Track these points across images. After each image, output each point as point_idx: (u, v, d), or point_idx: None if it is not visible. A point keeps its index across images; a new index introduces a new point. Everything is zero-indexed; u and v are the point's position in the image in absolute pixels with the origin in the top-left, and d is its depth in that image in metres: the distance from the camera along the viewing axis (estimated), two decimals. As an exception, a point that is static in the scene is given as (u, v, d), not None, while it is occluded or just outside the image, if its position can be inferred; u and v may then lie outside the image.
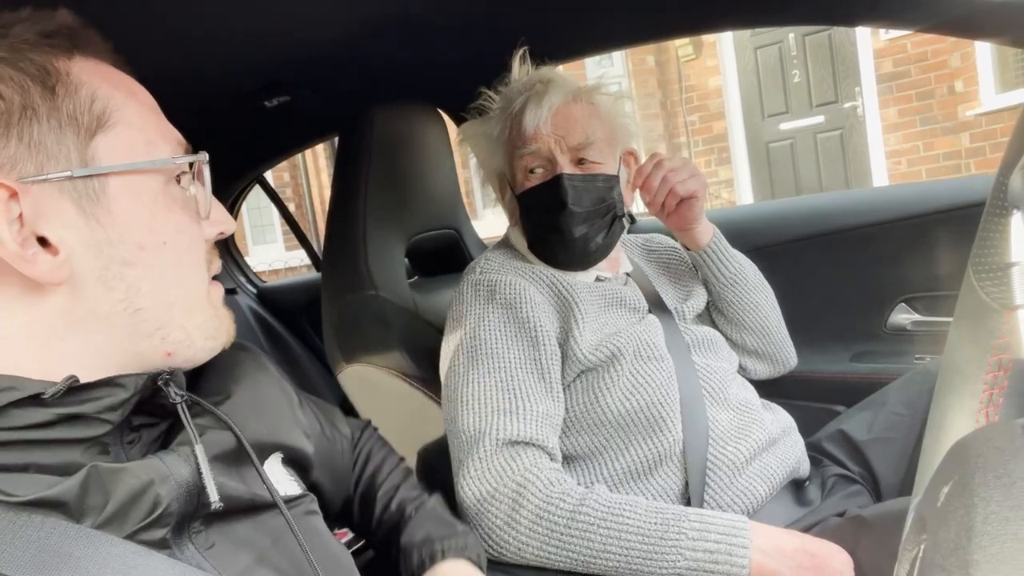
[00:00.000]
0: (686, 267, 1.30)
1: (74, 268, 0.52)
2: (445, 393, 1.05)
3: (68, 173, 0.51)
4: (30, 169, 0.50)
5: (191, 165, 0.59)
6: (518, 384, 0.99)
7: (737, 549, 0.83)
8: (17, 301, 0.51)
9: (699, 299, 1.26)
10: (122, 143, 0.55)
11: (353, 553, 1.12)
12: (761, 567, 0.83)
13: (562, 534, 0.87)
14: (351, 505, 0.89)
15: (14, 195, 0.49)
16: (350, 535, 1.25)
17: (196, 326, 0.59)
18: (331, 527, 0.72)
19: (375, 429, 0.98)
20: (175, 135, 0.60)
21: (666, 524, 0.86)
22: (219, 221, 0.62)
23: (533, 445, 0.95)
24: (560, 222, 1.08)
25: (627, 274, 1.22)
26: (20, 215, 0.50)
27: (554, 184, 1.09)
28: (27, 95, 0.51)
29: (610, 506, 0.89)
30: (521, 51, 1.17)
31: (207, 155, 0.61)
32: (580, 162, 1.11)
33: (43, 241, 0.51)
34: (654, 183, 1.12)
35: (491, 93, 1.20)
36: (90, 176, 0.52)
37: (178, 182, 0.59)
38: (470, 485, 0.92)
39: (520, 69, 1.17)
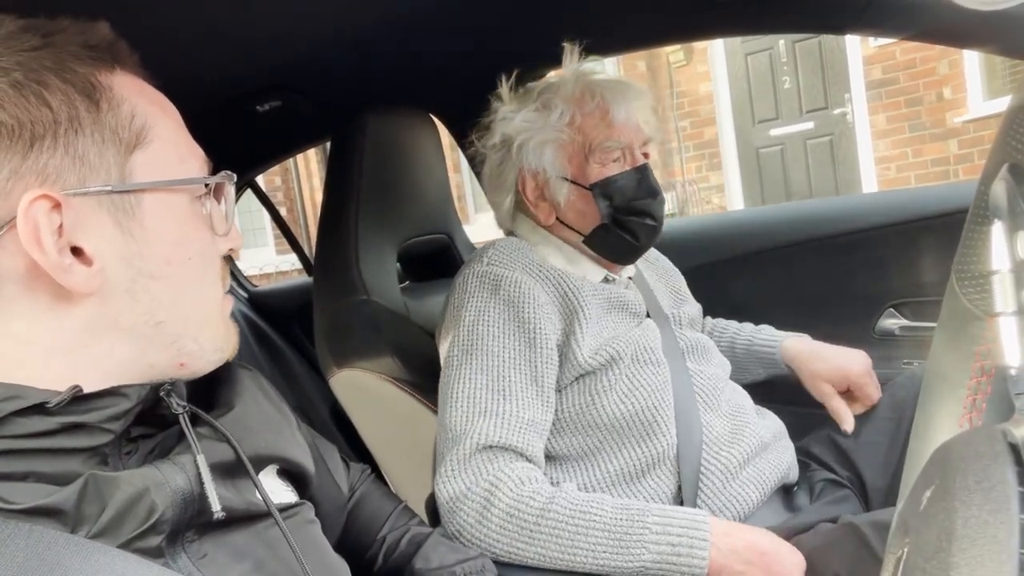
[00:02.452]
0: (676, 275, 1.34)
1: (106, 279, 0.53)
2: (440, 382, 1.06)
3: (109, 187, 0.53)
4: (72, 181, 0.51)
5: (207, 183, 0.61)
6: (508, 385, 0.99)
7: (698, 542, 0.86)
8: (45, 309, 0.52)
9: (692, 306, 1.28)
10: (158, 160, 0.56)
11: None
12: (712, 561, 0.86)
13: (531, 532, 0.89)
14: (345, 541, 0.88)
15: (57, 206, 0.50)
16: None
17: (208, 338, 0.60)
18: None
19: (371, 473, 0.97)
20: (200, 153, 0.61)
21: (631, 520, 0.89)
22: (233, 238, 0.64)
23: (512, 450, 0.96)
24: (652, 208, 1.13)
25: (630, 277, 1.23)
26: (60, 226, 0.50)
27: (644, 172, 1.13)
28: (73, 108, 0.51)
29: (578, 504, 0.91)
30: (573, 46, 1.17)
31: (235, 175, 0.63)
32: (644, 156, 1.16)
33: (76, 251, 0.52)
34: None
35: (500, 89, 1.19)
36: (127, 191, 0.54)
37: (202, 199, 0.60)
38: (445, 483, 0.94)
39: (569, 62, 1.17)
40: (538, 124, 1.13)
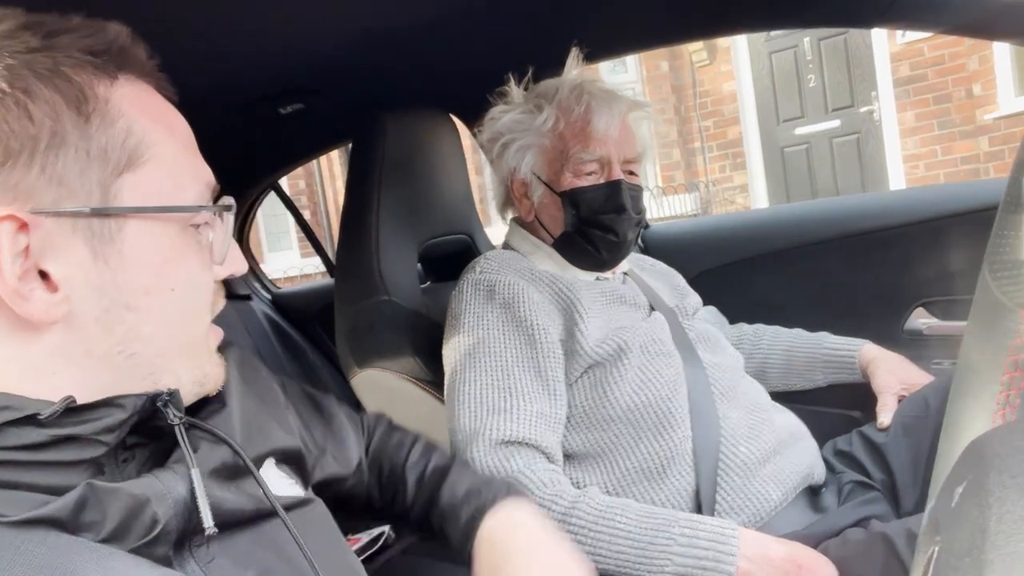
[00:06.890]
0: (675, 275, 1.38)
1: (73, 308, 0.49)
2: (446, 391, 1.07)
3: (86, 209, 0.48)
4: (47, 201, 0.47)
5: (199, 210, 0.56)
6: (514, 383, 1.00)
7: (724, 556, 0.85)
8: (7, 335, 0.48)
9: (695, 298, 1.32)
10: (150, 183, 0.52)
11: (369, 557, 1.08)
12: (746, 574, 0.84)
13: None
14: (372, 488, 0.85)
15: (24, 227, 0.46)
16: (363, 540, 1.25)
17: (187, 370, 0.56)
18: (354, 526, 0.69)
19: (383, 416, 0.96)
20: (206, 176, 0.57)
21: (656, 529, 0.88)
22: (231, 264, 0.59)
23: (528, 445, 0.96)
24: (616, 224, 1.14)
25: (624, 274, 1.25)
26: (27, 247, 0.47)
27: (615, 187, 1.14)
28: (58, 121, 0.47)
29: (602, 509, 0.90)
30: (576, 51, 1.20)
31: (233, 201, 0.59)
32: (629, 173, 1.17)
33: (44, 275, 0.48)
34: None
35: (509, 86, 1.22)
36: (107, 215, 0.49)
37: (196, 226, 0.55)
38: None
39: (572, 66, 1.20)
40: (524, 125, 1.18)
